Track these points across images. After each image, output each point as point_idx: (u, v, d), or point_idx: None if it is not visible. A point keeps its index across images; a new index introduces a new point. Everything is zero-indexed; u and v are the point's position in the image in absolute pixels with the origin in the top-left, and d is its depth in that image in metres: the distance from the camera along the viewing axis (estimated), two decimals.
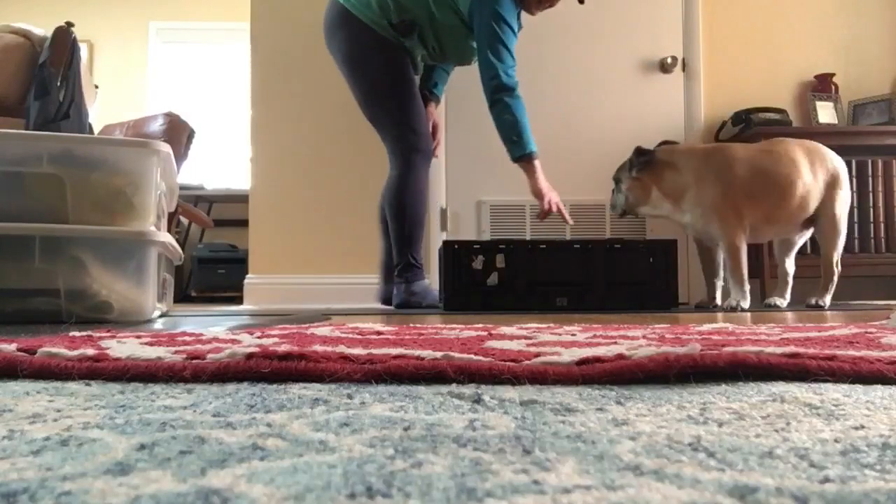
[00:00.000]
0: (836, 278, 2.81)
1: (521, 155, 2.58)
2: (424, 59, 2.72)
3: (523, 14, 2.69)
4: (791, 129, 3.61)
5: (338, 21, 2.62)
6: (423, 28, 2.58)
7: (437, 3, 2.55)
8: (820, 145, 2.81)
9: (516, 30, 2.59)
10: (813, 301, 2.81)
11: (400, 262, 2.69)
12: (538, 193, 2.63)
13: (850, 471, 0.33)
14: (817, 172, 2.71)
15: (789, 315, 2.11)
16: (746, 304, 2.65)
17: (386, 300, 2.81)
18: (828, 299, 2.81)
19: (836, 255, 2.79)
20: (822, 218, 2.75)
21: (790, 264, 2.91)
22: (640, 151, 2.75)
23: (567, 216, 2.68)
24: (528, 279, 2.68)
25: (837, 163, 2.76)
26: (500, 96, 2.54)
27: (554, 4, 2.71)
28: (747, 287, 2.66)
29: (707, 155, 2.71)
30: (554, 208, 2.64)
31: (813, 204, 2.72)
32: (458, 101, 3.71)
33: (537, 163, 2.61)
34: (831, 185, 2.73)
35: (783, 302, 2.85)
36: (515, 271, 2.68)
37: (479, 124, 3.65)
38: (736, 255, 2.66)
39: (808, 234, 2.87)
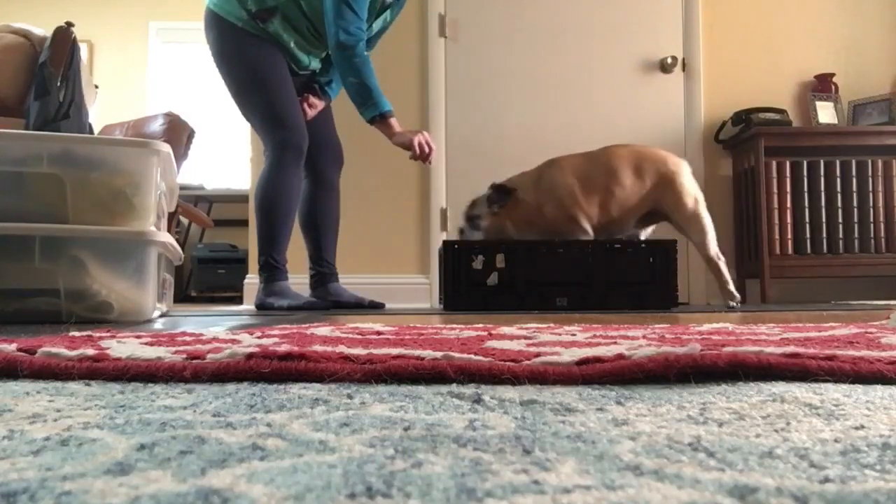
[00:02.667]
0: (724, 269, 2.82)
1: (374, 116, 2.51)
2: (302, 47, 2.62)
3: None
4: (791, 129, 3.61)
5: (206, 23, 2.60)
6: (286, 10, 2.51)
7: None
8: (651, 150, 2.87)
9: None
10: (728, 305, 2.82)
11: (259, 261, 2.62)
12: (405, 143, 2.55)
13: (850, 471, 0.33)
14: (643, 176, 2.78)
15: (790, 315, 2.11)
16: None
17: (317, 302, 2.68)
18: (735, 295, 2.81)
19: (711, 250, 2.81)
20: (673, 218, 2.81)
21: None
22: (499, 188, 2.87)
23: (432, 154, 2.58)
24: (528, 279, 2.68)
25: (673, 165, 2.80)
26: (342, 55, 2.46)
27: None
28: None
29: (538, 175, 2.87)
30: (426, 148, 2.55)
31: (639, 206, 2.80)
32: (459, 100, 3.72)
33: (393, 120, 2.53)
34: (664, 186, 2.77)
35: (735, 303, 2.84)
36: (515, 271, 2.68)
37: (479, 124, 3.66)
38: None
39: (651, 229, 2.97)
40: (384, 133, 2.58)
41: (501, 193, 2.85)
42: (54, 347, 0.73)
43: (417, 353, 0.69)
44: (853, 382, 0.61)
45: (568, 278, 2.69)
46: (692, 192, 2.81)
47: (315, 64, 2.76)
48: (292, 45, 2.59)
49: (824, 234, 3.50)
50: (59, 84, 2.85)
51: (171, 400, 0.54)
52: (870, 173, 3.51)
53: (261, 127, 2.58)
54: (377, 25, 2.73)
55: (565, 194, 2.79)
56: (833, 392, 0.56)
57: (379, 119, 2.52)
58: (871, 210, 3.50)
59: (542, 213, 2.82)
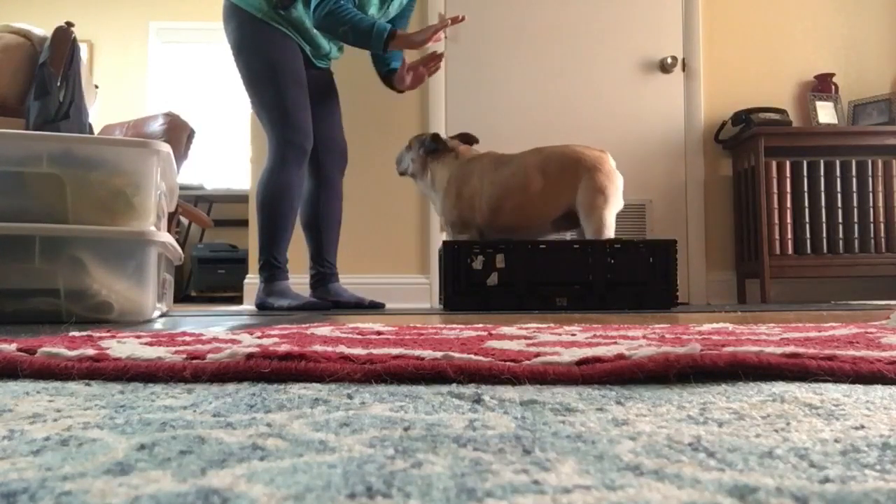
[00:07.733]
0: None
1: (384, 41, 2.45)
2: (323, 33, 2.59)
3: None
4: (791, 129, 3.61)
5: (225, 15, 2.57)
6: None
7: None
8: (569, 151, 2.83)
9: None
10: None
11: (260, 260, 2.62)
12: (426, 39, 2.51)
13: (850, 471, 0.33)
14: (555, 179, 2.78)
15: (790, 315, 2.11)
16: None
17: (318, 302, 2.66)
18: None
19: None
20: (582, 220, 2.78)
21: None
22: (436, 138, 2.94)
23: (446, 30, 2.54)
24: (528, 279, 2.68)
25: (590, 163, 2.76)
26: (326, 20, 2.43)
27: None
28: None
29: (463, 163, 2.90)
30: (440, 30, 2.51)
31: (553, 208, 2.80)
32: (459, 98, 3.72)
33: (400, 33, 2.49)
34: (581, 188, 2.75)
35: None
36: (515, 271, 2.68)
37: (479, 124, 3.65)
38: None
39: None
40: (405, 48, 2.55)
41: (435, 143, 2.94)
42: (54, 347, 0.73)
43: (417, 353, 0.69)
44: (853, 382, 0.61)
45: (568, 278, 2.69)
46: (601, 190, 2.74)
47: (335, 52, 2.75)
48: (315, 30, 2.58)
49: (824, 234, 3.50)
50: (59, 84, 2.85)
51: (171, 400, 0.54)
52: (870, 173, 3.51)
53: (268, 122, 2.57)
54: (394, 9, 2.73)
55: (468, 195, 2.84)
56: (833, 392, 0.56)
57: (390, 40, 2.46)
58: (871, 210, 3.50)
59: (444, 197, 2.88)
